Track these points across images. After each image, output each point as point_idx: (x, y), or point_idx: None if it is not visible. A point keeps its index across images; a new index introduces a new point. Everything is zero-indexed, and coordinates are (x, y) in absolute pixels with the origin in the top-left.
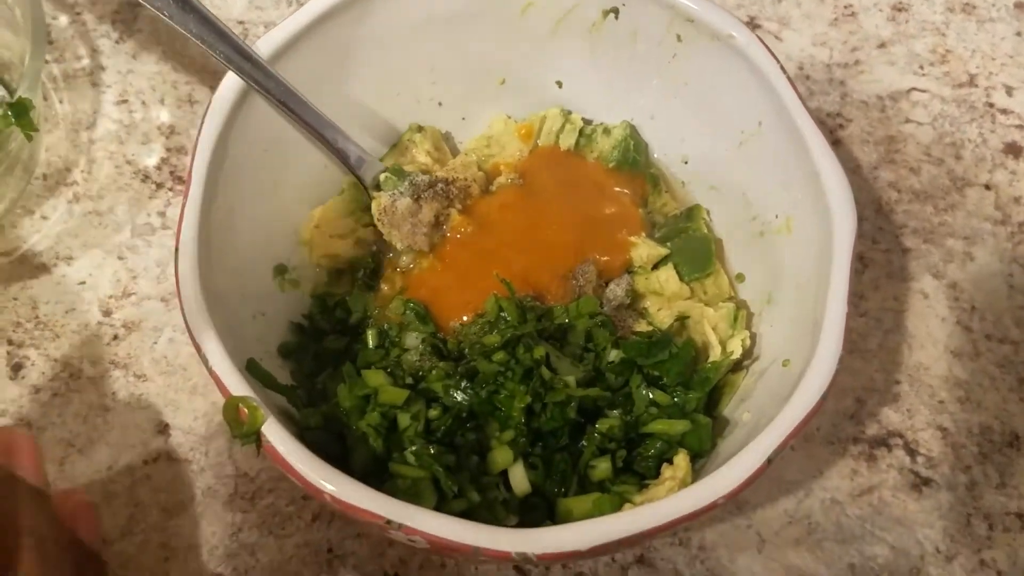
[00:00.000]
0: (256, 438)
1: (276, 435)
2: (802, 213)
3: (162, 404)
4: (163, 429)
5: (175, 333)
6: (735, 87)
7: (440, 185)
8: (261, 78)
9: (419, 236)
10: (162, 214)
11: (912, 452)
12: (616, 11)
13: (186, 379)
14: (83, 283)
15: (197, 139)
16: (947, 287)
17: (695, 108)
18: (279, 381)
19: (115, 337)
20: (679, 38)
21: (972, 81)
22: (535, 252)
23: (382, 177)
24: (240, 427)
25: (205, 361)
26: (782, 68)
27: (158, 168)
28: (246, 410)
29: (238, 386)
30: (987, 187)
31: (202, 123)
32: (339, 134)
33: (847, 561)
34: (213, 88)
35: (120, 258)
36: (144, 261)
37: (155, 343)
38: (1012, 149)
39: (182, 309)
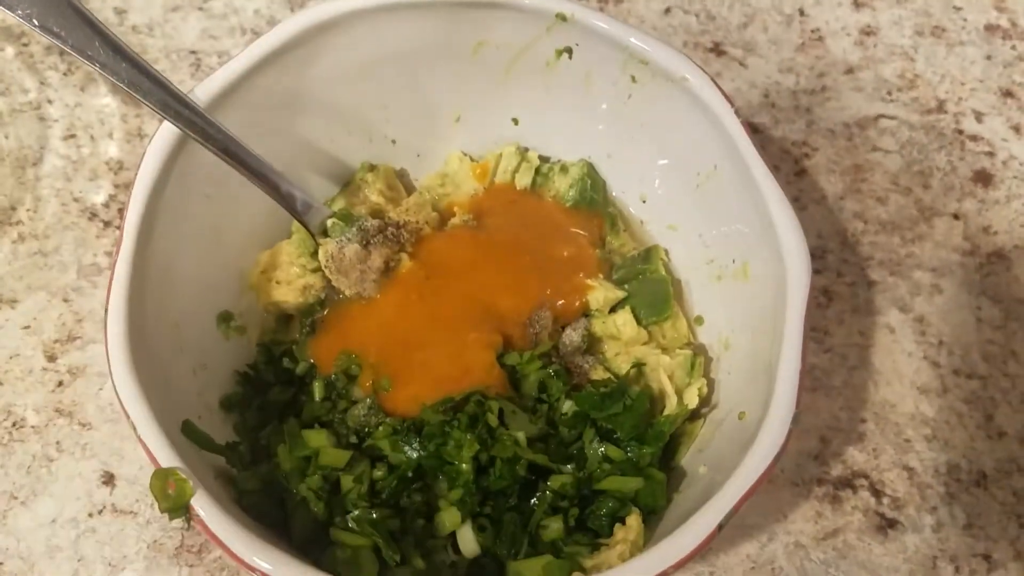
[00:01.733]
0: (185, 511)
1: (206, 508)
2: (758, 260)
3: (107, 453)
4: (108, 480)
5: None
6: (691, 129)
7: (391, 229)
8: (199, 125)
9: (368, 283)
10: (109, 253)
11: (877, 493)
12: (570, 51)
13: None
14: (27, 327)
15: (133, 188)
16: (914, 321)
17: (652, 148)
18: (217, 441)
19: (60, 383)
20: (634, 79)
21: (941, 107)
22: (490, 298)
23: (329, 223)
24: (167, 500)
25: (133, 428)
26: (735, 111)
27: (106, 205)
28: (174, 483)
29: (167, 457)
30: (956, 217)
31: (136, 173)
32: (282, 179)
33: None
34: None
35: (65, 300)
36: (90, 303)
37: (100, 389)
38: (981, 177)
39: (110, 372)
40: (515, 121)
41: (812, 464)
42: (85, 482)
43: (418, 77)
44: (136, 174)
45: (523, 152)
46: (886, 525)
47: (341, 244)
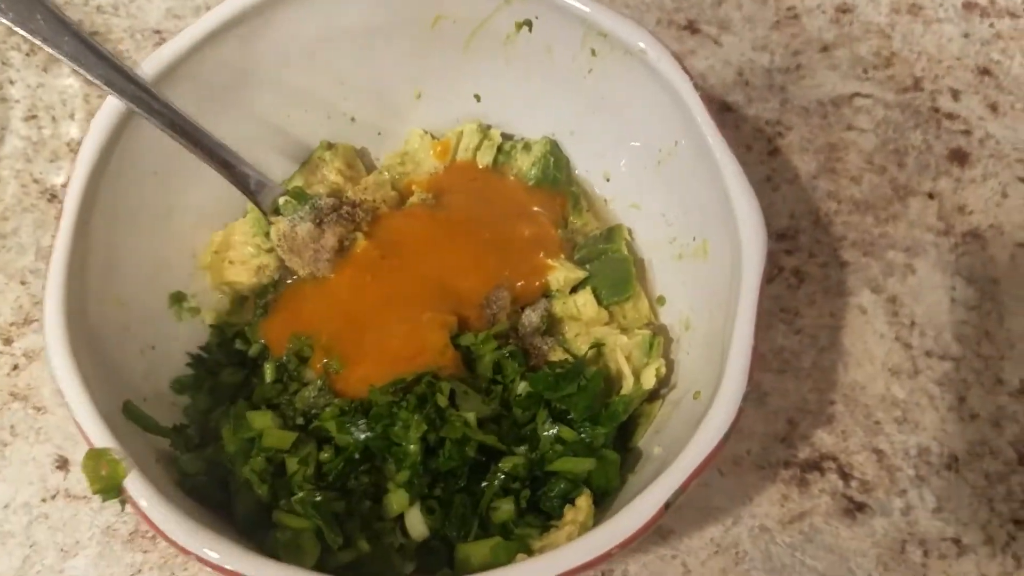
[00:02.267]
0: (116, 492)
1: (140, 490)
2: (716, 237)
3: (61, 438)
4: (62, 464)
5: None
6: (651, 104)
7: (345, 208)
8: (145, 100)
9: (322, 262)
10: None
11: (846, 476)
12: (530, 24)
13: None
14: None
15: (75, 164)
16: (886, 302)
17: (615, 124)
18: (162, 424)
19: (15, 367)
20: (594, 52)
21: (917, 85)
22: (447, 278)
23: (281, 201)
24: (100, 482)
25: (69, 408)
26: (695, 85)
27: (65, 187)
28: (107, 463)
29: (100, 437)
30: (930, 196)
31: (80, 148)
32: (233, 157)
33: None
34: None
35: (23, 283)
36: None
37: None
38: (957, 156)
39: (47, 348)
40: (477, 98)
41: (779, 447)
42: (39, 467)
43: (376, 53)
44: (80, 150)
45: (485, 129)
46: (854, 508)
47: (293, 223)
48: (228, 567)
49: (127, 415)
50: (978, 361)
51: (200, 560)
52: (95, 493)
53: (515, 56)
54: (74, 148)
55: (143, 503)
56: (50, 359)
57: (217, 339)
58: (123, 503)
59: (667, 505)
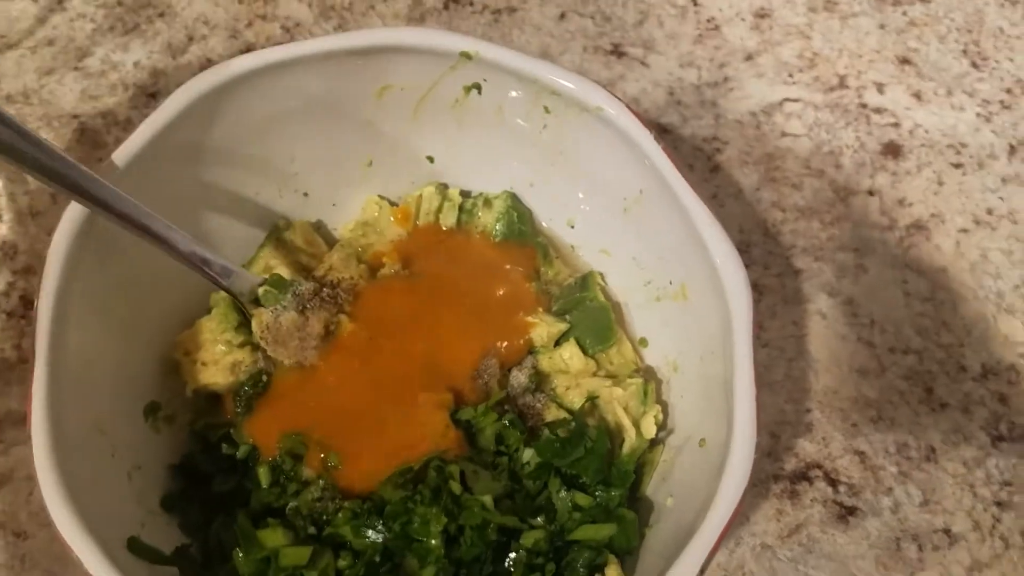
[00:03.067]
0: None
1: None
2: (695, 280)
3: (49, 561)
4: None
5: None
6: (611, 156)
7: (326, 291)
8: (112, 205)
9: (308, 351)
10: (17, 347)
11: (833, 482)
12: (479, 87)
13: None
14: None
15: (36, 303)
16: (843, 304)
17: (574, 176)
18: (165, 552)
19: None
20: (547, 110)
21: (843, 83)
22: (435, 352)
23: (261, 291)
24: None
25: (81, 565)
26: (655, 138)
27: (6, 294)
28: None
29: None
30: (871, 193)
31: (40, 286)
32: (207, 253)
33: None
34: (56, 197)
35: None
36: (5, 403)
37: (31, 494)
38: (890, 149)
39: (48, 508)
40: (430, 159)
41: (766, 461)
42: None
43: (324, 126)
44: (44, 267)
45: (443, 190)
46: (846, 513)
47: (277, 313)
48: None
49: (133, 552)
50: (940, 351)
51: None
52: None
53: (466, 118)
54: (7, 251)
55: None
56: (53, 514)
57: (199, 446)
58: None
59: (702, 569)
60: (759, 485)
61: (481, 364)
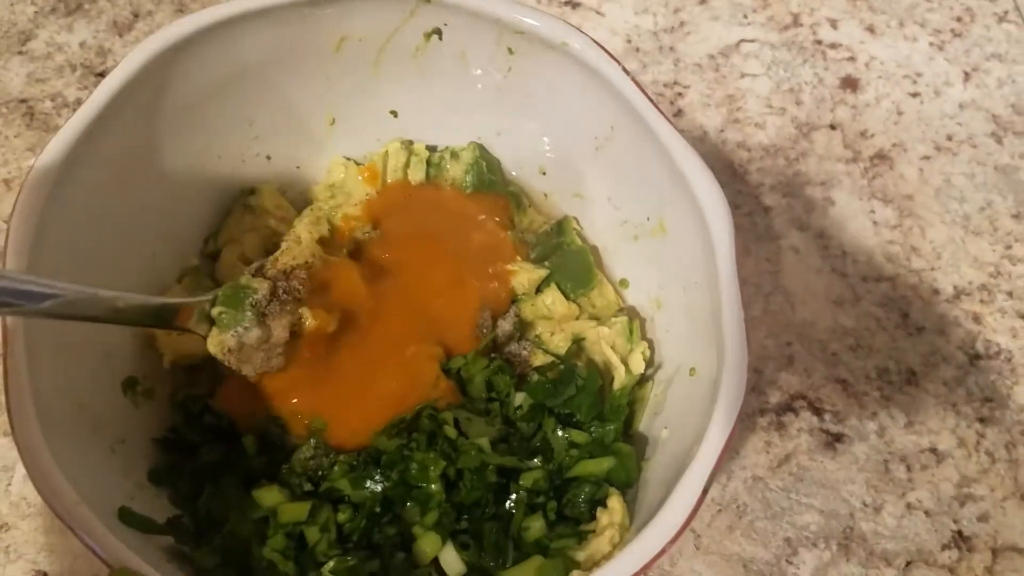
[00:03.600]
0: None
1: None
2: (674, 213)
3: (34, 551)
4: None
5: None
6: (580, 94)
7: (280, 287)
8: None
9: (275, 358)
10: None
11: (818, 411)
12: (439, 32)
13: (53, 518)
14: None
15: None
16: (815, 237)
17: (542, 119)
18: (157, 521)
19: None
20: (511, 51)
21: (797, 21)
22: (430, 309)
23: (215, 313)
24: None
25: (74, 532)
26: (624, 69)
27: None
28: None
29: (117, 555)
30: (832, 127)
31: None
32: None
33: (782, 536)
34: (7, 182)
35: None
36: None
37: (9, 485)
38: (848, 83)
39: (37, 486)
40: (394, 114)
41: (751, 396)
42: None
43: (281, 85)
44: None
45: (408, 145)
46: (833, 440)
47: (238, 335)
48: None
49: (125, 521)
50: (912, 276)
51: None
52: None
53: (428, 67)
54: None
55: None
56: (45, 493)
57: (183, 418)
58: None
59: (704, 491)
60: (746, 419)
61: (479, 315)
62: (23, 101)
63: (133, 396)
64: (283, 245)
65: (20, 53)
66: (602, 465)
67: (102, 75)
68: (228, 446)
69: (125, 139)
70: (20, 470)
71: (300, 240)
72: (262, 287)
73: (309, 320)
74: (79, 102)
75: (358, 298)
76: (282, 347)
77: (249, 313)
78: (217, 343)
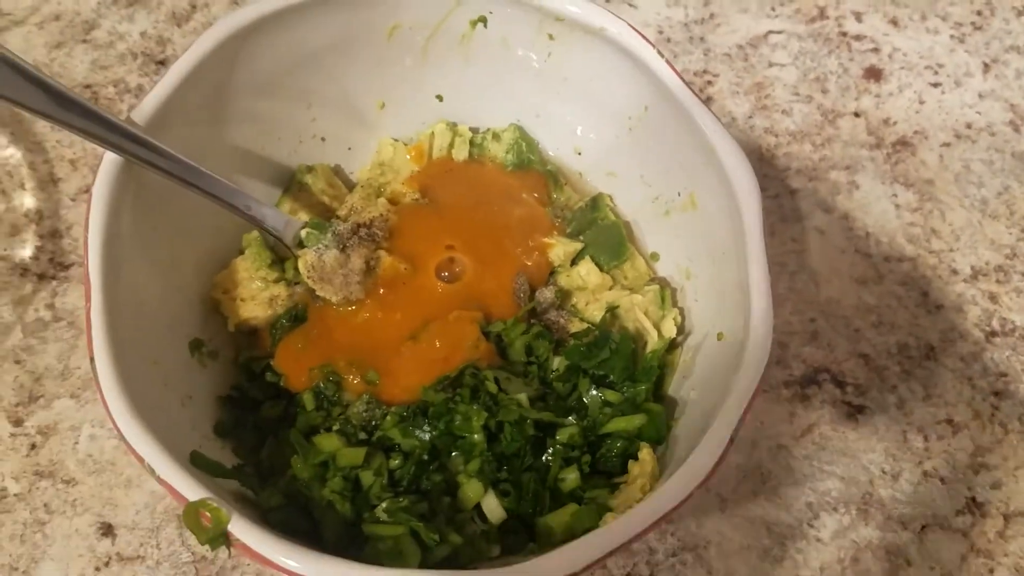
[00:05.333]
0: (224, 539)
1: (245, 531)
2: (704, 188)
3: (99, 505)
4: (107, 531)
5: (95, 428)
6: (615, 76)
7: (363, 230)
8: (155, 159)
9: (353, 286)
10: (51, 307)
11: (841, 384)
12: (484, 20)
13: (117, 474)
14: None
15: (85, 240)
16: (839, 219)
17: (579, 101)
18: (226, 466)
19: (33, 446)
20: (551, 36)
21: (823, 13)
22: (471, 275)
23: (303, 233)
24: (205, 532)
25: (152, 472)
26: (659, 52)
27: (35, 259)
28: (208, 513)
29: (191, 489)
30: (856, 115)
31: (87, 221)
32: (249, 199)
33: (804, 501)
34: (74, 163)
35: (17, 362)
36: (44, 360)
37: (76, 443)
38: (872, 73)
39: (112, 420)
40: (439, 98)
41: (776, 369)
42: (84, 538)
43: (338, 71)
44: (87, 216)
45: (453, 127)
46: (855, 411)
47: (320, 252)
48: None
49: (195, 464)
50: (931, 257)
51: None
52: (203, 544)
53: (473, 53)
54: (32, 218)
55: (255, 545)
56: (121, 428)
57: (246, 376)
58: (228, 547)
59: (732, 439)
60: (771, 391)
61: (515, 282)
62: (87, 87)
63: (199, 356)
64: (349, 202)
65: (84, 41)
66: (634, 422)
67: (162, 63)
68: (287, 402)
69: (193, 122)
70: (86, 430)
71: (372, 198)
72: (346, 224)
73: (385, 258)
74: (140, 88)
75: (422, 247)
76: (359, 277)
77: (331, 237)
78: (302, 260)
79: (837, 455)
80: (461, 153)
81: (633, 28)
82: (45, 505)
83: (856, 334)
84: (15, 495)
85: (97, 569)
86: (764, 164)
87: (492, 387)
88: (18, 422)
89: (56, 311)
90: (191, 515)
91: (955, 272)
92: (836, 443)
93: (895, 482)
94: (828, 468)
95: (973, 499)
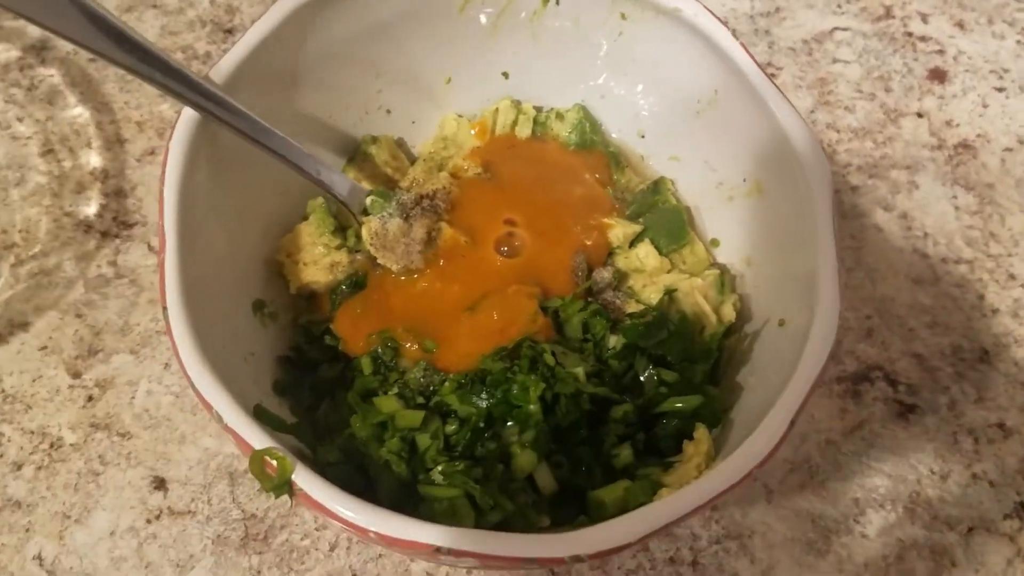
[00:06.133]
0: (288, 487)
1: (308, 482)
2: (772, 175)
3: (153, 459)
4: (159, 484)
5: (152, 384)
6: (686, 58)
7: (426, 201)
8: (231, 118)
9: (414, 255)
10: (113, 263)
11: (893, 382)
12: None
13: (172, 429)
14: (44, 348)
15: (161, 192)
16: (898, 217)
17: (646, 83)
18: (286, 421)
19: (90, 398)
20: (623, 16)
21: (889, 13)
22: (531, 250)
23: (369, 201)
24: (270, 480)
25: (219, 419)
26: (734, 34)
27: (100, 216)
28: (273, 462)
29: (258, 438)
30: (919, 115)
31: (163, 174)
32: (319, 165)
33: (851, 496)
34: (140, 124)
35: (78, 316)
36: (104, 315)
37: (133, 398)
38: (936, 75)
39: (184, 370)
40: (505, 75)
41: (829, 364)
42: (136, 490)
43: (407, 43)
44: (163, 168)
45: (517, 105)
46: (906, 411)
47: (384, 220)
48: (431, 542)
49: (258, 417)
50: (989, 261)
51: (386, 540)
52: (268, 491)
53: (542, 30)
54: (98, 176)
55: (317, 494)
56: (192, 377)
57: (305, 338)
58: (291, 496)
59: (792, 423)
60: (823, 386)
61: (573, 260)
62: None
63: (261, 317)
64: (411, 175)
65: (154, 7)
66: (691, 402)
67: (230, 32)
68: (344, 366)
69: (268, 78)
70: (144, 385)
71: (434, 171)
72: (410, 194)
73: (446, 230)
74: (208, 55)
75: (483, 221)
76: (421, 246)
77: (395, 206)
78: (367, 227)
79: (886, 453)
80: (524, 131)
81: (708, 9)
82: (100, 456)
83: (910, 333)
84: (71, 445)
85: (148, 521)
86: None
87: (550, 359)
88: (77, 374)
89: (118, 268)
90: (257, 463)
91: (1012, 277)
92: (886, 441)
93: (943, 483)
94: (876, 465)
95: (1022, 504)
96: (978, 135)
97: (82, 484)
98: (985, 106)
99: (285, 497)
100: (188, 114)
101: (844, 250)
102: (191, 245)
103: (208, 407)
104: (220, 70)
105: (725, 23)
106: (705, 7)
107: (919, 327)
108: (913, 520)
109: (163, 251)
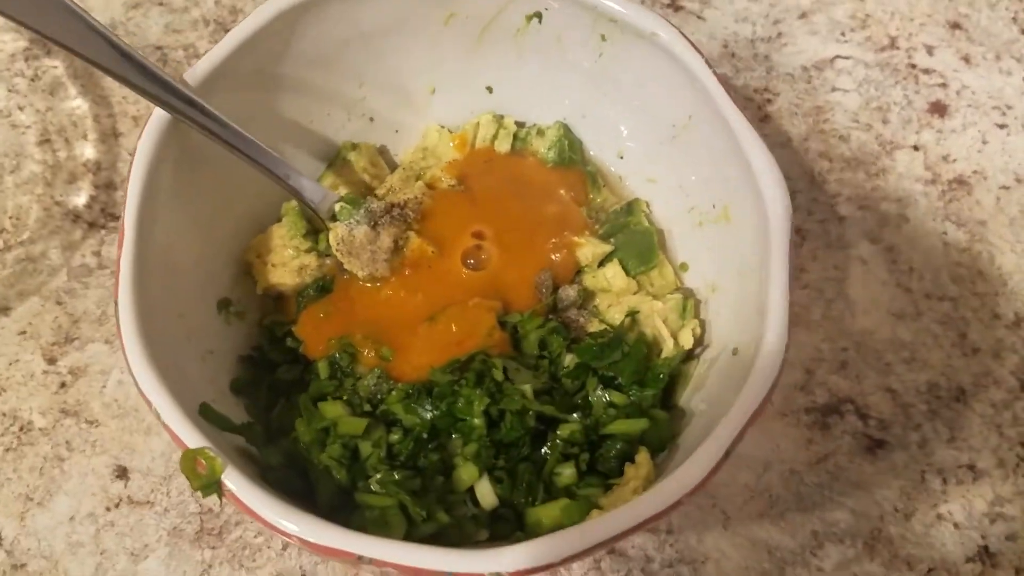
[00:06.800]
0: (217, 487)
1: (236, 483)
2: (738, 201)
3: (118, 448)
4: (121, 473)
5: (123, 375)
6: (663, 83)
7: (396, 210)
8: (202, 120)
9: (379, 263)
10: (97, 254)
11: (864, 416)
12: (540, 15)
13: (139, 420)
14: (23, 333)
15: (128, 183)
16: (884, 250)
17: (625, 105)
18: (234, 421)
19: (62, 385)
20: (604, 38)
21: (893, 44)
22: (495, 264)
23: (337, 207)
24: (199, 479)
25: (157, 415)
26: (707, 62)
27: (88, 207)
28: (203, 461)
29: (192, 437)
30: (915, 148)
31: (131, 167)
32: (289, 169)
33: (810, 529)
34: (136, 119)
35: (59, 303)
36: (84, 304)
37: (104, 387)
38: (937, 108)
39: (127, 363)
40: (489, 89)
41: (799, 395)
42: (99, 478)
43: (392, 53)
44: (130, 166)
45: (499, 119)
46: (874, 445)
47: (350, 227)
48: (350, 550)
49: (204, 417)
50: (974, 299)
51: (308, 545)
52: (196, 490)
53: (526, 47)
54: (91, 168)
55: (245, 497)
56: (133, 371)
57: (268, 338)
58: (220, 496)
59: (727, 453)
60: (790, 415)
61: (538, 276)
62: (158, 48)
63: (226, 315)
64: (388, 182)
65: (160, 4)
66: (636, 425)
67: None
68: (303, 369)
69: (249, 80)
70: (115, 375)
71: (411, 180)
72: (380, 203)
73: (414, 240)
74: None
75: (451, 232)
76: (387, 255)
77: (363, 213)
78: (333, 233)
79: (850, 487)
80: (504, 145)
81: (684, 36)
82: (67, 442)
83: (886, 368)
84: (40, 429)
85: (107, 509)
86: (814, 188)
87: (499, 375)
88: (52, 360)
89: (102, 259)
90: (188, 461)
91: (997, 317)
92: (851, 475)
93: (907, 521)
94: (839, 499)
95: (986, 548)
96: (975, 171)
97: (47, 468)
98: (985, 142)
99: None
100: (159, 113)
101: (827, 280)
102: (151, 243)
103: (148, 403)
104: (196, 72)
105: (699, 51)
106: (681, 33)
107: (896, 362)
108: (872, 557)
109: (121, 247)
